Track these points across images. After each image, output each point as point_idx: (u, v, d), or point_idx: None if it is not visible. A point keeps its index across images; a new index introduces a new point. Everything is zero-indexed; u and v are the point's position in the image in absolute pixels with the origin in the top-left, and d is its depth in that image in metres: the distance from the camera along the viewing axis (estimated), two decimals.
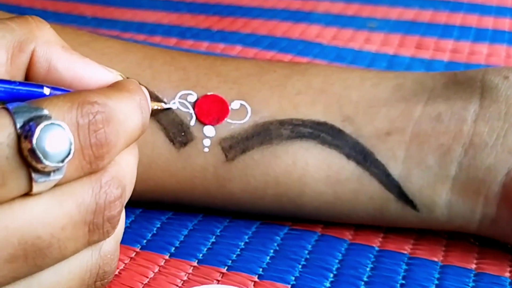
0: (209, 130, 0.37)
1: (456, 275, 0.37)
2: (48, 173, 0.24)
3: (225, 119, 0.37)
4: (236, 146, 0.37)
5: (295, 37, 0.67)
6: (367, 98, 0.38)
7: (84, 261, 0.28)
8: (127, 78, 0.30)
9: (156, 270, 0.36)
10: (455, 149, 0.36)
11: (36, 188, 0.24)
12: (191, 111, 0.37)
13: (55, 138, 0.24)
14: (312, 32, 0.69)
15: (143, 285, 0.35)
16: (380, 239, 0.40)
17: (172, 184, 0.38)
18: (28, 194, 0.25)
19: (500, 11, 0.76)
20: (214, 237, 0.39)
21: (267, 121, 0.37)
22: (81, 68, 0.29)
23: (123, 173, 0.28)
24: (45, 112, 0.24)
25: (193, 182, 0.38)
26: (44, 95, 0.27)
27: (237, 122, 0.37)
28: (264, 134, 0.37)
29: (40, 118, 0.24)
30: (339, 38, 0.68)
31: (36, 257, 0.25)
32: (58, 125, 0.24)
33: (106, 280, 0.29)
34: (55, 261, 0.26)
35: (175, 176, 0.37)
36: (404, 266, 0.37)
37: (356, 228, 0.40)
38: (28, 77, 0.29)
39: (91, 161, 0.26)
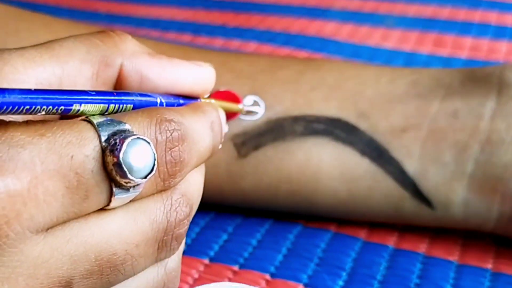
0: None
1: (473, 275, 0.37)
2: (128, 189, 0.24)
3: (238, 114, 0.37)
4: (248, 142, 0.37)
5: (311, 34, 0.67)
6: (382, 94, 0.38)
7: (151, 278, 0.28)
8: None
9: None
10: (471, 146, 0.36)
11: (114, 203, 0.24)
12: None
13: (141, 153, 0.24)
14: (328, 29, 0.68)
15: None
16: (395, 238, 0.39)
17: None
18: (103, 208, 0.24)
19: None
20: (226, 234, 0.39)
21: (280, 117, 0.37)
22: (173, 71, 0.29)
23: (191, 191, 0.28)
24: (127, 126, 0.24)
25: (205, 178, 0.38)
26: (156, 103, 0.28)
27: (250, 118, 0.37)
28: (278, 130, 0.37)
29: (124, 132, 0.24)
30: (356, 35, 0.67)
31: (110, 273, 0.25)
32: (144, 140, 0.24)
33: None
34: (126, 277, 0.26)
35: None
36: (419, 266, 0.37)
37: (370, 227, 0.40)
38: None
39: (165, 178, 0.26)
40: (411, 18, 0.72)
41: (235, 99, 0.37)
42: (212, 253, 0.38)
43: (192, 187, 0.28)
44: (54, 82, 0.26)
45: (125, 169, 0.23)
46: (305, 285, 0.36)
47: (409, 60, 0.62)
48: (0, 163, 0.21)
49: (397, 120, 0.37)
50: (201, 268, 0.37)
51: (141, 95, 0.27)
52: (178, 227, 0.27)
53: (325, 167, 0.37)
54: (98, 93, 0.25)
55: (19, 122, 0.23)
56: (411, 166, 0.36)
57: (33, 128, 0.22)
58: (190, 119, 0.27)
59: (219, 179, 0.38)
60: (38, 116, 0.24)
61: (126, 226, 0.25)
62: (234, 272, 0.36)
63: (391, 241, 0.39)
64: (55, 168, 0.22)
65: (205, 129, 0.28)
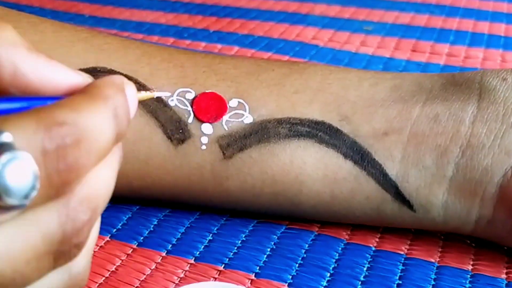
0: (206, 127, 0.37)
1: (453, 276, 0.37)
2: (9, 208, 0.21)
3: (223, 117, 0.37)
4: (233, 144, 0.37)
5: (291, 39, 0.67)
6: (365, 98, 0.38)
7: (52, 284, 0.25)
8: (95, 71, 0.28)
9: (153, 267, 0.36)
10: (452, 150, 0.36)
11: None
12: (189, 108, 0.37)
13: (18, 172, 0.21)
14: (308, 34, 0.68)
15: (139, 281, 0.35)
16: (377, 239, 0.40)
17: (169, 181, 0.37)
18: None
19: (496, 16, 0.76)
20: (211, 235, 0.39)
21: (265, 119, 0.37)
22: (49, 71, 0.26)
23: (94, 192, 0.25)
24: (6, 137, 0.21)
25: (190, 179, 0.38)
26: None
27: (235, 120, 0.37)
28: (262, 132, 0.37)
29: (1, 147, 0.21)
30: (335, 40, 0.68)
31: None
32: (22, 158, 0.21)
33: None
34: None
35: (172, 173, 0.37)
36: (400, 267, 0.37)
37: (352, 228, 0.40)
38: None
39: (58, 187, 0.23)
40: (390, 25, 0.73)
41: (221, 101, 0.37)
42: (197, 253, 0.38)
43: (94, 186, 0.25)
44: None
45: (0, 192, 0.21)
46: (289, 285, 0.36)
47: (388, 65, 0.62)
48: None
49: (379, 123, 0.37)
50: (187, 267, 0.36)
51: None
52: (76, 236, 0.24)
53: (308, 169, 0.37)
54: None
55: None
56: (393, 169, 0.37)
57: None
58: (87, 114, 0.24)
59: (204, 180, 0.38)
60: None
61: (12, 243, 0.22)
62: (219, 272, 0.36)
63: (373, 242, 0.39)
64: None
65: (106, 120, 0.25)
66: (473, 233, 0.38)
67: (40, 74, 0.25)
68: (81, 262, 0.26)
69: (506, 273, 0.37)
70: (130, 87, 0.27)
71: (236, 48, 0.63)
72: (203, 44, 0.64)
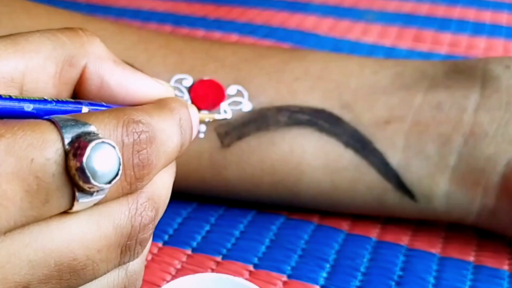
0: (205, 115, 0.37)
1: (455, 267, 0.36)
2: (91, 193, 0.23)
3: (221, 104, 0.37)
4: (232, 132, 0.36)
5: (292, 28, 0.66)
6: (367, 86, 0.37)
7: (111, 281, 0.27)
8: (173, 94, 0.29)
9: (149, 258, 0.36)
10: (455, 139, 0.35)
11: (76, 207, 0.23)
12: (186, 95, 0.37)
13: (105, 158, 0.23)
14: (308, 22, 0.68)
15: None
16: (378, 230, 0.39)
17: None
18: (65, 212, 0.23)
19: (498, 5, 0.76)
20: (209, 225, 0.39)
21: (264, 107, 0.37)
22: (133, 83, 0.28)
23: (158, 194, 0.27)
24: (92, 128, 0.23)
25: (187, 168, 0.37)
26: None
27: (233, 108, 0.37)
28: (261, 120, 0.36)
29: (89, 135, 0.23)
30: (336, 29, 0.67)
31: (70, 278, 0.24)
32: (109, 144, 0.23)
33: None
34: (86, 282, 0.25)
35: None
36: (402, 258, 0.37)
37: (353, 219, 0.40)
38: (80, 93, 0.27)
39: (132, 182, 0.25)
40: (391, 14, 0.72)
41: (219, 88, 0.37)
42: (194, 244, 0.37)
43: (159, 189, 0.27)
44: (17, 77, 0.25)
45: (88, 175, 0.22)
46: (289, 276, 0.35)
47: (389, 54, 0.61)
48: None
49: (381, 111, 0.36)
50: (184, 258, 0.36)
51: (62, 102, 0.25)
52: (143, 231, 0.26)
53: (308, 158, 0.36)
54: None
55: None
56: (394, 158, 0.36)
57: None
58: (157, 119, 0.26)
59: (202, 169, 0.37)
60: None
61: (88, 230, 0.24)
62: (217, 263, 0.36)
63: (374, 233, 0.39)
64: (13, 171, 0.21)
65: (173, 128, 0.27)
66: (476, 224, 0.37)
67: (125, 86, 0.28)
68: (137, 261, 0.28)
69: (509, 264, 0.37)
70: (193, 107, 0.29)
71: (235, 36, 0.63)
72: (201, 32, 0.64)
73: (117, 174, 0.23)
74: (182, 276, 0.31)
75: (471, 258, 0.37)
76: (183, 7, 0.70)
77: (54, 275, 0.23)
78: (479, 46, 0.64)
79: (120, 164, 0.23)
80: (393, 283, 0.35)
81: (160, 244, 0.37)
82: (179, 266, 0.35)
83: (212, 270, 0.35)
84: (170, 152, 0.27)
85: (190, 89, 0.37)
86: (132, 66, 0.36)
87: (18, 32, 0.26)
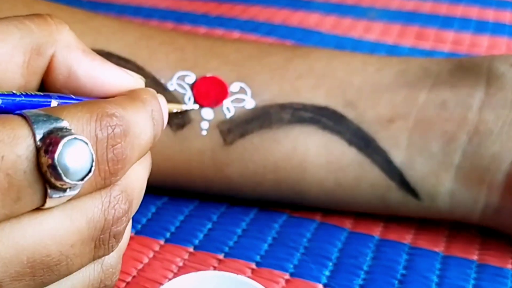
0: (207, 112, 0.36)
1: (458, 266, 0.36)
2: (64, 190, 0.23)
3: (224, 101, 0.36)
4: (234, 129, 0.36)
5: (294, 25, 0.66)
6: (370, 84, 0.37)
7: (87, 276, 0.26)
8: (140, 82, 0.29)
9: (151, 255, 0.36)
10: (459, 137, 0.35)
11: (49, 203, 0.23)
12: (189, 92, 0.36)
13: (77, 155, 0.22)
14: (311, 20, 0.67)
15: (137, 270, 0.35)
16: (381, 228, 0.39)
17: (168, 168, 0.37)
18: (38, 208, 0.23)
19: (501, 4, 0.75)
20: (211, 223, 0.39)
21: (267, 104, 0.36)
22: (102, 74, 0.27)
23: (132, 187, 0.26)
24: (65, 123, 0.23)
25: (189, 165, 0.37)
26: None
27: (236, 105, 0.36)
28: (264, 118, 0.36)
29: (61, 131, 0.22)
30: (339, 27, 0.67)
31: (44, 274, 0.24)
32: (81, 140, 0.22)
33: None
34: (61, 277, 0.25)
35: (171, 159, 0.36)
36: (405, 256, 0.37)
37: (356, 217, 0.40)
38: (46, 82, 0.27)
39: (106, 177, 0.24)
40: (393, 11, 0.72)
41: (222, 85, 0.36)
42: (196, 241, 0.37)
43: (133, 182, 0.27)
44: None
45: (60, 172, 0.22)
46: (291, 274, 0.35)
47: (391, 52, 0.61)
48: None
49: (384, 109, 0.36)
50: (186, 256, 0.36)
51: (30, 96, 0.25)
52: (116, 224, 0.26)
53: (311, 156, 0.36)
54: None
55: None
56: (398, 156, 0.36)
57: None
58: (131, 111, 0.26)
59: (204, 166, 0.37)
60: None
61: (61, 226, 0.24)
62: (219, 261, 0.36)
63: (377, 232, 0.39)
64: None
65: (146, 120, 0.26)
66: (480, 222, 0.37)
67: (94, 77, 0.27)
68: (113, 255, 0.27)
69: None
70: (161, 97, 0.28)
71: (237, 33, 0.63)
72: (203, 29, 0.63)
73: (90, 171, 0.23)
74: (184, 274, 0.30)
75: (475, 257, 0.37)
76: (185, 4, 0.70)
77: (27, 272, 0.23)
78: (482, 44, 0.64)
79: (93, 161, 0.23)
80: (396, 282, 0.35)
81: (162, 242, 0.37)
82: (181, 264, 0.35)
83: (214, 268, 0.35)
84: (143, 144, 0.26)
85: (192, 86, 0.37)
86: (134, 62, 0.36)
87: None
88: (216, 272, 0.30)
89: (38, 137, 0.22)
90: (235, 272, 0.34)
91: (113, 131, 0.24)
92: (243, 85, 0.37)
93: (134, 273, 0.34)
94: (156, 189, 0.40)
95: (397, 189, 0.36)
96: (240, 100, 0.36)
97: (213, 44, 0.38)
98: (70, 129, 0.23)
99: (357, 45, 0.62)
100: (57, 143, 0.22)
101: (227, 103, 0.36)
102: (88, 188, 0.24)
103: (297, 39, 0.62)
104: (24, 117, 0.22)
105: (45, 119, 0.22)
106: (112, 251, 0.26)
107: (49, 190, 0.22)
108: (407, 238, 0.38)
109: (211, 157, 0.37)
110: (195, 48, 0.37)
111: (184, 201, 0.40)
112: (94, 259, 0.26)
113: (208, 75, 0.37)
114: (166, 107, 0.29)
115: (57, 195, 0.23)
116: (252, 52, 0.38)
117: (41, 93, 0.25)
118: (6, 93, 0.24)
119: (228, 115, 0.36)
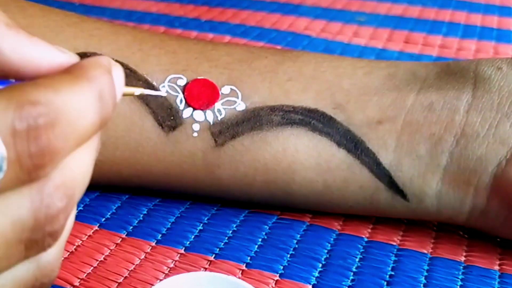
0: (198, 114, 0.36)
1: (446, 267, 0.36)
2: None
3: (215, 104, 0.36)
4: (225, 131, 0.36)
5: (283, 29, 0.66)
6: (359, 87, 0.37)
7: (19, 275, 0.24)
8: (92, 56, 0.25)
9: (142, 256, 0.36)
10: (446, 139, 0.35)
11: None
12: (181, 95, 0.36)
13: None
14: (300, 24, 0.68)
15: (128, 271, 0.34)
16: (369, 230, 0.39)
17: (160, 169, 0.37)
18: None
19: (489, 9, 0.76)
20: (201, 224, 0.39)
21: (257, 106, 0.36)
22: (30, 49, 0.24)
23: (71, 178, 0.23)
24: None
25: (181, 167, 0.37)
26: None
27: (227, 107, 0.36)
28: (255, 120, 0.36)
29: None
30: (328, 31, 0.67)
31: None
32: None
33: None
34: None
35: (163, 160, 0.36)
36: (393, 257, 0.37)
37: (345, 219, 0.40)
38: None
39: (30, 171, 0.21)
40: (382, 16, 0.72)
41: (213, 88, 0.37)
42: (187, 243, 0.37)
43: (73, 172, 0.23)
44: None
45: None
46: (280, 275, 0.35)
47: (380, 56, 0.62)
48: None
49: (373, 112, 0.36)
50: (177, 257, 0.36)
51: None
52: (51, 224, 0.23)
53: (301, 157, 0.36)
54: None
55: None
56: (386, 158, 0.36)
57: None
58: (66, 94, 0.22)
59: (195, 167, 0.37)
60: None
61: None
62: (210, 262, 0.36)
63: (365, 233, 0.39)
64: None
65: (89, 103, 0.23)
66: (467, 223, 0.37)
67: (20, 52, 0.24)
68: (52, 252, 0.25)
69: (499, 265, 0.37)
70: (118, 69, 0.25)
71: (228, 37, 0.63)
72: (194, 33, 0.64)
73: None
74: (175, 274, 0.30)
75: (462, 258, 0.37)
76: (176, 8, 0.70)
77: None
78: (469, 48, 0.65)
79: (2, 160, 0.20)
80: (385, 283, 0.35)
81: (153, 243, 0.37)
82: (172, 265, 0.35)
83: (205, 269, 0.35)
84: (83, 130, 0.23)
85: (184, 88, 0.37)
86: (126, 65, 0.36)
87: None
88: (207, 273, 0.30)
89: None
90: (225, 273, 0.35)
91: (35, 121, 0.21)
92: (234, 87, 0.37)
93: (126, 274, 0.34)
94: (147, 191, 0.40)
95: (386, 190, 0.37)
96: (231, 102, 0.37)
97: (204, 48, 0.38)
98: None
99: (346, 49, 0.63)
100: None
101: (218, 105, 0.37)
102: (9, 184, 0.21)
103: (287, 43, 0.63)
104: None
105: None
106: (49, 248, 0.24)
107: None
108: (395, 240, 0.38)
109: (202, 158, 0.37)
110: (186, 51, 0.38)
111: (175, 203, 0.40)
112: (26, 258, 0.24)
113: (200, 77, 0.37)
114: (122, 80, 0.26)
115: None
116: (243, 55, 0.38)
117: None
118: None
119: (219, 117, 0.36)
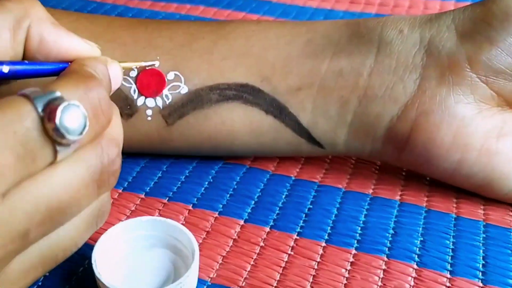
0: (150, 101, 0.36)
1: (355, 199, 0.37)
2: (69, 145, 0.24)
3: (163, 90, 0.36)
4: (174, 113, 0.36)
5: None
6: (282, 57, 0.36)
7: (93, 210, 0.28)
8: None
9: (111, 202, 0.36)
10: (352, 101, 0.35)
11: (59, 157, 0.24)
12: (134, 86, 0.36)
13: (73, 116, 0.24)
14: None
15: None
16: (298, 170, 0.39)
17: (124, 148, 0.36)
18: (48, 166, 0.24)
19: None
20: (160, 172, 0.39)
21: (198, 88, 0.36)
22: (66, 41, 0.29)
23: (117, 132, 0.28)
24: (58, 94, 0.24)
25: (141, 145, 0.37)
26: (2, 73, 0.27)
27: (173, 92, 0.36)
28: (197, 100, 0.36)
29: (56, 100, 0.23)
30: None
31: (60, 217, 0.25)
32: (74, 104, 0.24)
33: (104, 217, 0.29)
34: (74, 216, 0.26)
35: (126, 142, 0.34)
36: (313, 193, 0.37)
37: (279, 161, 0.40)
38: (24, 50, 0.29)
39: (97, 129, 0.26)
40: None
41: (160, 76, 0.36)
42: (147, 189, 0.37)
43: (115, 128, 0.28)
44: None
45: (63, 132, 0.23)
46: (220, 213, 0.36)
47: (328, 17, 0.60)
48: None
49: (293, 80, 0.36)
50: (138, 202, 0.36)
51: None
52: (112, 165, 0.27)
53: (237, 127, 0.36)
54: None
55: None
56: (305, 119, 0.36)
57: None
58: (100, 68, 0.28)
59: (152, 144, 0.37)
60: None
61: (67, 177, 0.25)
62: (164, 204, 0.36)
63: (294, 172, 0.39)
64: (2, 145, 0.22)
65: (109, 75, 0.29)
66: (369, 159, 0.39)
67: (59, 44, 0.29)
68: (106, 194, 0.29)
69: (400, 195, 0.37)
70: (114, 65, 0.31)
71: (201, 7, 0.61)
72: (175, 5, 0.62)
73: (85, 126, 0.24)
74: (135, 217, 0.31)
75: (370, 191, 0.38)
76: None
77: (46, 218, 0.24)
78: (404, 5, 0.63)
79: (86, 118, 0.24)
80: (303, 215, 0.36)
81: (120, 190, 0.37)
82: (133, 208, 0.36)
83: (159, 211, 0.36)
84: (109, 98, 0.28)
85: (136, 79, 0.36)
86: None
87: None
88: (150, 217, 0.31)
89: (40, 109, 0.23)
90: (175, 213, 0.35)
91: (96, 89, 0.26)
92: (177, 73, 0.36)
93: None
94: None
95: (307, 143, 0.37)
96: (176, 87, 0.36)
97: (151, 36, 0.37)
98: (63, 97, 0.24)
99: (300, 12, 0.61)
100: (55, 110, 0.23)
101: (165, 91, 0.36)
102: (86, 140, 0.25)
103: (251, 9, 0.61)
104: (25, 96, 0.23)
105: (41, 94, 0.24)
106: (113, 186, 0.28)
107: (57, 148, 0.24)
108: (317, 177, 0.39)
109: (157, 136, 0.37)
110: (135, 42, 0.37)
111: (138, 158, 0.40)
112: (99, 195, 0.27)
113: (148, 67, 0.36)
114: (118, 76, 0.31)
115: (64, 150, 0.24)
116: (184, 39, 0.37)
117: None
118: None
119: (167, 102, 0.36)
